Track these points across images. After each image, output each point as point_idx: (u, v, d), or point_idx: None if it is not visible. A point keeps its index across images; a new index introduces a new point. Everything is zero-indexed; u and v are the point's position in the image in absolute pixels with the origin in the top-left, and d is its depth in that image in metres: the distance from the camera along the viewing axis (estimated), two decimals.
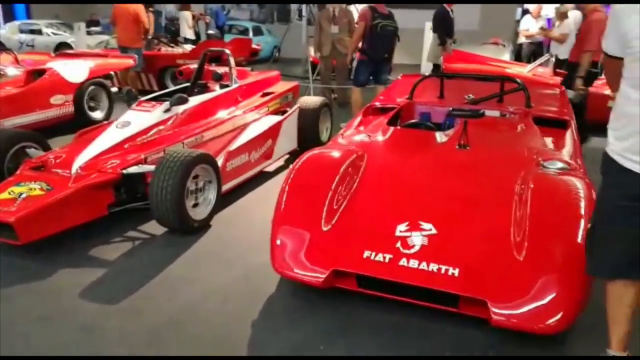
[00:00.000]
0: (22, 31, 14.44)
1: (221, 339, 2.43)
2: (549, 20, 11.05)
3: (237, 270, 3.06)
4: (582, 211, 2.52)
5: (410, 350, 2.36)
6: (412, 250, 2.51)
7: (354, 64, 7.04)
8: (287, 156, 5.26)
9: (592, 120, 5.25)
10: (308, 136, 5.38)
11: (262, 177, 4.71)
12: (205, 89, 5.20)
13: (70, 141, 4.19)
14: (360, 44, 6.51)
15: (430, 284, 2.37)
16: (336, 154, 3.21)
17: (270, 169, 4.96)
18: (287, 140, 5.15)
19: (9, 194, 3.19)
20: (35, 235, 3.06)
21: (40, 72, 5.88)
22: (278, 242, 2.70)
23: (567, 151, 3.36)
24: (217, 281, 2.94)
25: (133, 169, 3.54)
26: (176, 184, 3.28)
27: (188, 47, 9.50)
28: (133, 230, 3.59)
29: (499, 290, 2.30)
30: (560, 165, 3.00)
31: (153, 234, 3.54)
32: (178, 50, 9.34)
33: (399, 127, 3.87)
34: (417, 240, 2.56)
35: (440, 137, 3.55)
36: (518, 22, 13.13)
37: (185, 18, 11.36)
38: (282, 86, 5.87)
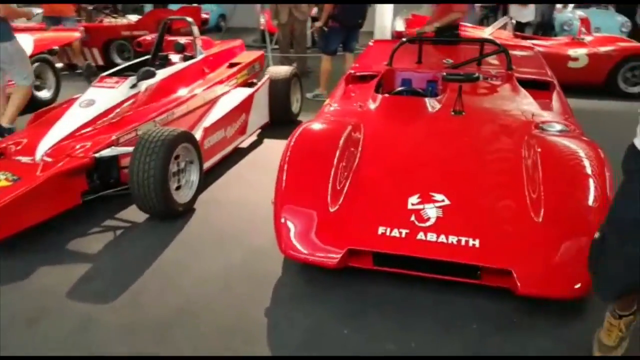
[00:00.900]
0: None
1: (232, 328, 2.26)
2: None
3: (234, 254, 2.87)
4: (590, 171, 2.50)
5: (427, 322, 2.28)
6: (428, 224, 2.42)
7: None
8: (259, 130, 5.03)
9: None
10: (279, 108, 5.17)
11: (237, 154, 4.48)
12: (167, 61, 4.85)
13: (25, 125, 3.80)
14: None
15: (452, 257, 2.29)
16: (332, 126, 3.04)
17: (244, 145, 4.72)
18: (259, 114, 4.91)
19: None
20: (7, 231, 2.73)
21: None
22: (283, 222, 2.52)
23: (559, 112, 3.35)
24: (214, 267, 2.74)
25: (106, 152, 3.23)
26: (159, 166, 3.02)
27: (133, 18, 8.89)
28: (110, 219, 3.30)
29: (522, 258, 2.25)
30: (559, 127, 2.98)
31: (133, 221, 3.27)
32: (122, 21, 8.72)
33: (388, 95, 3.74)
34: (431, 212, 2.47)
35: (431, 103, 3.45)
36: None
37: None
38: (247, 56, 5.58)
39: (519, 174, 2.60)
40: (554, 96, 3.65)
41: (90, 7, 7.86)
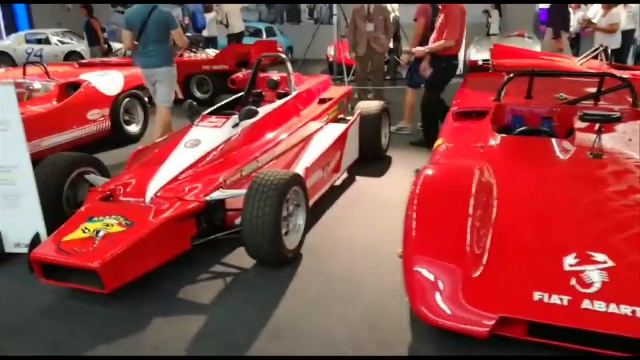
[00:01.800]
0: (28, 41, 13.96)
1: None
2: None
3: (356, 310, 2.65)
4: None
5: None
6: (593, 290, 2.10)
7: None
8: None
9: None
10: (370, 144, 4.99)
11: (333, 193, 4.30)
12: (261, 98, 4.79)
13: (123, 163, 3.78)
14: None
15: (632, 332, 1.96)
16: (459, 171, 2.80)
17: (337, 183, 4.55)
18: (352, 150, 4.75)
19: (84, 232, 2.77)
20: (121, 280, 2.64)
21: (74, 86, 5.45)
22: (416, 277, 2.27)
23: None
24: (338, 328, 2.52)
25: (216, 195, 3.13)
26: (272, 211, 2.87)
27: (212, 53, 9.06)
28: (218, 264, 3.17)
29: None
30: None
31: (242, 267, 3.12)
32: (202, 55, 8.90)
33: (511, 135, 3.47)
34: (594, 276, 2.15)
35: (561, 144, 3.14)
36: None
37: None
38: (335, 91, 5.46)
39: None
40: None
41: (128, 51, 8.02)
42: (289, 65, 4.77)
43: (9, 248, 3.22)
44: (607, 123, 3.05)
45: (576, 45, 9.93)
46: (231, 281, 2.99)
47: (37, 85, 5.48)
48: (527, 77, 4.08)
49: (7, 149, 3.01)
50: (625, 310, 2.02)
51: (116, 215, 2.89)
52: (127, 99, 5.90)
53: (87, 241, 2.69)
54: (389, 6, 8.42)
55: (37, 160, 3.30)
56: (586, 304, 2.06)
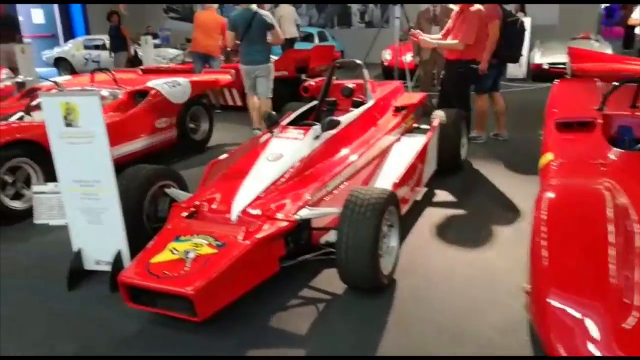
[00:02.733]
0: (86, 47, 14.29)
1: None
2: None
3: (468, 347, 2.37)
4: None
5: None
6: None
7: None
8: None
9: None
10: (449, 155, 4.69)
11: (415, 210, 4.00)
12: (335, 106, 4.57)
13: (198, 174, 3.62)
14: None
15: None
16: (587, 193, 2.48)
17: (417, 197, 4.25)
18: (431, 162, 4.46)
19: (172, 252, 2.60)
20: (214, 307, 2.44)
21: (141, 93, 5.37)
22: (551, 315, 1.97)
23: None
24: None
25: (306, 214, 2.91)
26: (370, 234, 2.63)
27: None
28: (307, 288, 2.95)
29: None
30: None
31: (333, 292, 2.89)
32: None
33: (635, 151, 3.12)
34: None
35: None
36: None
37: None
38: (408, 98, 5.18)
39: None
40: None
41: (229, 49, 7.94)
42: (365, 71, 4.51)
43: (89, 265, 3.10)
44: None
45: None
46: (324, 308, 2.76)
47: (104, 92, 5.42)
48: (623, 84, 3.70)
49: (90, 162, 2.88)
50: None
51: (204, 235, 2.70)
52: (193, 106, 5.79)
53: (176, 263, 2.51)
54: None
55: None
56: None
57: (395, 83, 5.38)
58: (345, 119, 3.89)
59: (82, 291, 2.98)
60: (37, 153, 4.06)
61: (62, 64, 14.66)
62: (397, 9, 7.99)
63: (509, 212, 4.01)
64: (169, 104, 5.40)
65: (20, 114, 4.83)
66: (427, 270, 3.13)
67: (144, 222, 3.20)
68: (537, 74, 10.73)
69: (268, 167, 3.28)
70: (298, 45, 11.68)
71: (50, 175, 4.14)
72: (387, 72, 10.44)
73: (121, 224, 2.95)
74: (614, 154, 2.94)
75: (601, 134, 3.23)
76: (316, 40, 13.99)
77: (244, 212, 2.91)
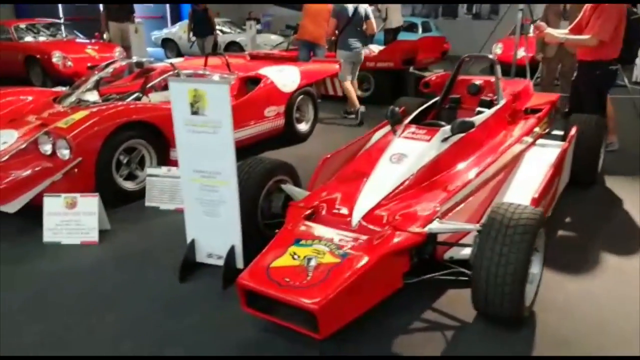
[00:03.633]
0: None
1: None
2: None
3: None
4: None
5: None
6: None
7: None
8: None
9: None
10: (585, 166, 4.17)
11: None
12: (458, 105, 4.18)
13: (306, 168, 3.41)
14: None
15: None
16: None
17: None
18: (565, 175, 3.95)
19: (293, 257, 2.40)
20: (337, 324, 2.20)
21: (253, 80, 5.28)
22: None
23: None
24: None
25: (437, 227, 2.60)
26: (520, 260, 2.27)
27: (375, 49, 8.60)
28: (429, 309, 2.64)
29: None
30: None
31: (459, 318, 2.56)
32: (364, 51, 8.46)
33: None
34: None
35: None
36: None
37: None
38: (539, 98, 4.66)
39: None
40: None
41: (332, 38, 7.71)
42: (498, 67, 4.07)
43: (200, 257, 3.00)
44: None
45: None
46: (453, 337, 2.44)
47: (216, 77, 5.39)
48: None
49: (213, 153, 2.76)
50: None
51: (326, 242, 2.48)
52: (301, 96, 5.63)
53: (298, 270, 2.31)
54: None
55: None
56: None
57: (524, 81, 4.88)
58: (476, 120, 3.50)
59: (193, 284, 2.89)
60: (152, 135, 4.06)
61: (168, 45, 15.24)
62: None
63: None
64: (279, 93, 5.27)
65: (136, 94, 4.90)
66: (565, 302, 2.72)
67: (258, 217, 3.05)
68: None
69: (391, 170, 2.99)
70: (401, 36, 11.25)
71: (163, 158, 4.16)
72: (493, 67, 9.72)
73: (238, 219, 2.81)
74: None
75: None
76: (420, 31, 13.44)
77: (366, 218, 2.66)
